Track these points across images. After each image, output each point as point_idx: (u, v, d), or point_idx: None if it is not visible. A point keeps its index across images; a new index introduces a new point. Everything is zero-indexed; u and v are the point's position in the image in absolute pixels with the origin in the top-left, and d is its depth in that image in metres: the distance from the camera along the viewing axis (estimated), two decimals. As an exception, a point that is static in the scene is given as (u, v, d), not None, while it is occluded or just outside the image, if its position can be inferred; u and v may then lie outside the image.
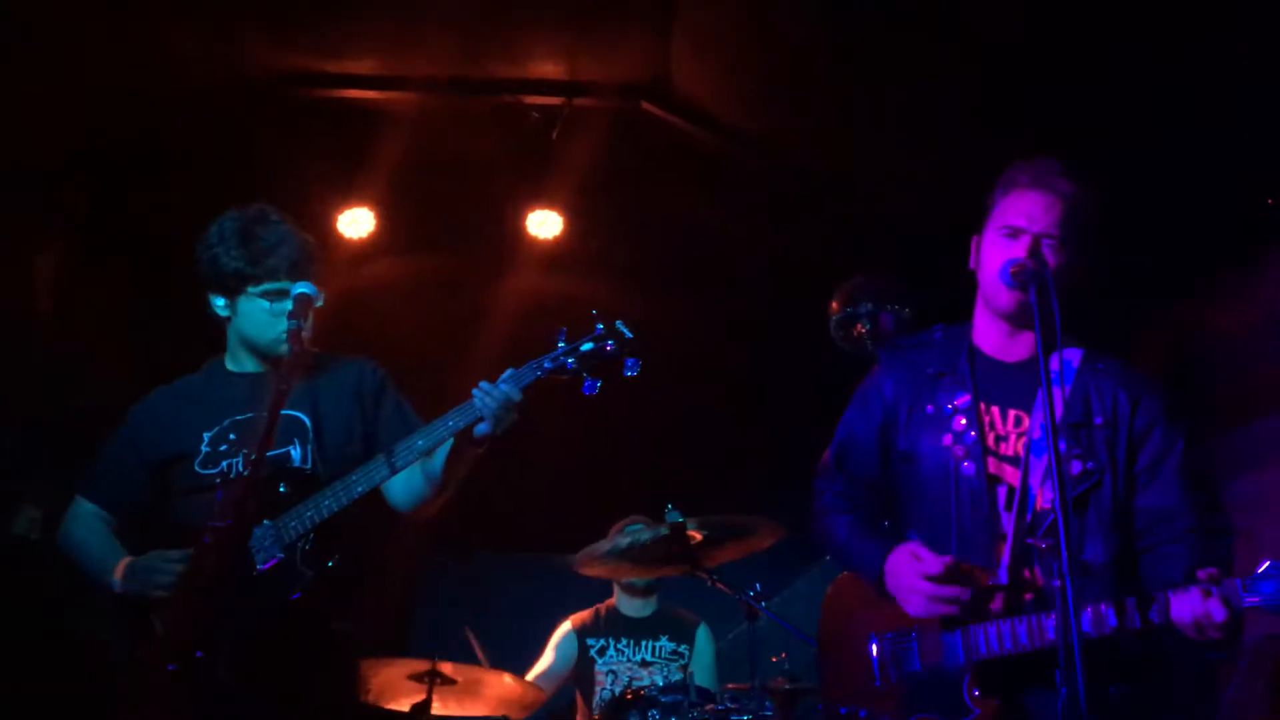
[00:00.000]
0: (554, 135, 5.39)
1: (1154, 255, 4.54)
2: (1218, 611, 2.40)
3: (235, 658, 2.70)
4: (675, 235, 5.85)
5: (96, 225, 5.26)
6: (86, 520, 3.11)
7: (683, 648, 5.05)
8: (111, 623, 2.92)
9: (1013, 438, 2.78)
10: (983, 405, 2.81)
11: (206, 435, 3.03)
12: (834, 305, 5.66)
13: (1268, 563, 2.39)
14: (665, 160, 5.57)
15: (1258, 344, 4.34)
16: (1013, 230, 2.79)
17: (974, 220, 2.91)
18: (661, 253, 5.92)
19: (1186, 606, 2.44)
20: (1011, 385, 2.81)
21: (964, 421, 2.80)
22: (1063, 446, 2.66)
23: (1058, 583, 2.32)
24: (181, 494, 3.01)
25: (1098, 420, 2.75)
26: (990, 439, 2.79)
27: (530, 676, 4.97)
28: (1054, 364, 2.68)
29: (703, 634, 5.11)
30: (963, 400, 2.82)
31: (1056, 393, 2.70)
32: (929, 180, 5.12)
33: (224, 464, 2.99)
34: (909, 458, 2.87)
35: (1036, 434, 2.73)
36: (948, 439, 2.80)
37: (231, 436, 3.02)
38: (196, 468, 3.00)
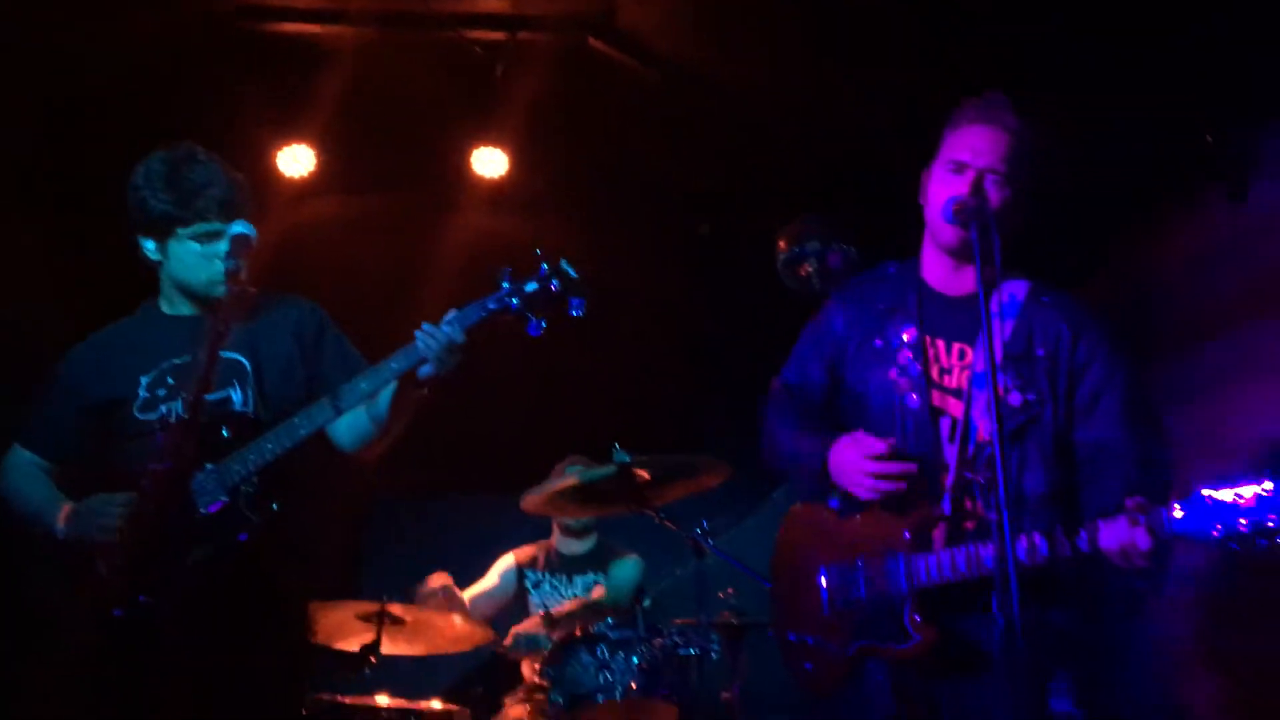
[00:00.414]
0: (498, 71, 5.29)
1: (1094, 190, 4.58)
2: (1143, 540, 2.46)
3: (180, 602, 2.68)
4: (622, 173, 5.80)
5: (23, 164, 5.10)
6: (24, 469, 3.06)
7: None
8: (53, 570, 2.88)
9: (956, 370, 2.84)
10: (928, 339, 2.87)
11: (144, 380, 2.98)
12: (781, 244, 5.65)
13: (1194, 492, 2.43)
14: (611, 96, 5.50)
15: (1198, 278, 4.41)
16: (958, 165, 2.83)
17: (924, 156, 2.92)
18: (608, 190, 5.87)
19: (1114, 535, 2.50)
20: (956, 319, 2.85)
21: (909, 355, 2.86)
22: (1004, 379, 2.73)
23: (994, 515, 2.37)
24: (121, 440, 2.96)
25: (1039, 353, 2.79)
26: (934, 372, 2.84)
27: (468, 595, 5.04)
28: (1000, 297, 2.81)
29: (631, 564, 5.19)
30: (910, 334, 2.88)
31: (1000, 325, 2.77)
32: (878, 117, 5.11)
33: (163, 409, 2.94)
34: (856, 390, 2.93)
35: (980, 367, 2.77)
36: (893, 372, 2.86)
37: (169, 381, 2.97)
38: (135, 413, 2.95)
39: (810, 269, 5.60)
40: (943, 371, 2.85)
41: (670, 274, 6.12)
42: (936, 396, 2.82)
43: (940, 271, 2.94)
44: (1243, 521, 2.36)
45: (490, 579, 5.18)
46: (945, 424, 2.81)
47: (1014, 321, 2.82)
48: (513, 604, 5.16)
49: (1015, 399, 2.76)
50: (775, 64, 5.13)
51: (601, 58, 5.32)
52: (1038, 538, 2.57)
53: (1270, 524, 2.34)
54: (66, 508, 2.91)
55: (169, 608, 2.63)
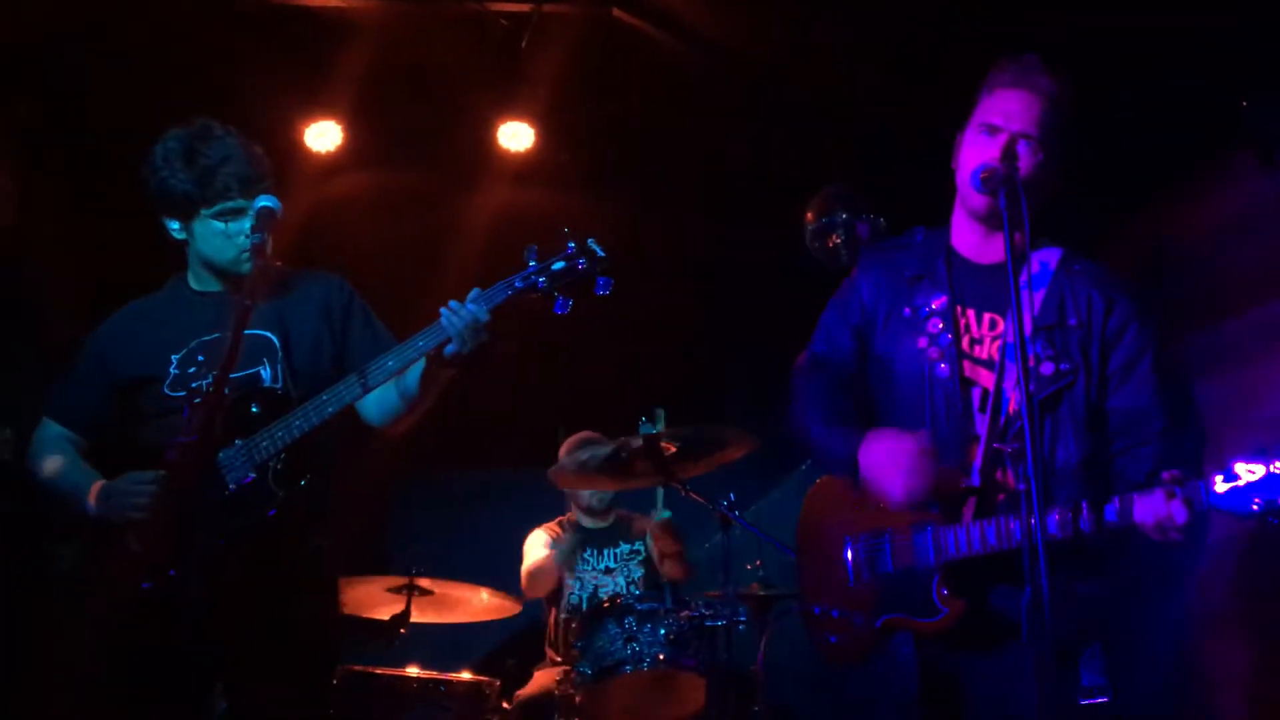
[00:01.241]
0: (523, 44, 5.28)
1: (1124, 156, 4.52)
2: (1180, 513, 2.43)
3: (208, 575, 2.72)
4: (647, 145, 5.78)
5: (53, 140, 5.14)
6: (55, 443, 3.09)
7: (638, 544, 5.20)
8: (84, 544, 2.92)
9: (987, 340, 2.78)
10: (959, 308, 2.80)
11: (174, 358, 3.00)
12: (809, 215, 5.62)
13: (1230, 465, 2.39)
14: (637, 69, 5.47)
15: (1228, 245, 4.35)
16: (990, 128, 2.76)
17: (952, 125, 2.88)
18: (634, 163, 5.85)
19: (1149, 508, 2.45)
20: (988, 288, 2.79)
21: (940, 324, 2.79)
22: (1037, 348, 2.69)
23: (1023, 486, 2.34)
24: (151, 416, 2.99)
25: (1071, 322, 2.75)
26: (965, 342, 2.78)
27: (527, 566, 5.06)
28: (1031, 266, 2.72)
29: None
30: (939, 303, 2.81)
31: (1030, 295, 2.68)
32: (904, 86, 5.06)
33: (194, 385, 2.96)
34: (885, 360, 2.86)
35: (1011, 337, 2.70)
36: (923, 341, 2.80)
37: (200, 358, 2.99)
38: (166, 390, 2.97)
39: (839, 239, 5.57)
40: (974, 342, 2.79)
41: (696, 246, 6.11)
42: (967, 367, 2.76)
43: (971, 239, 2.87)
44: None
45: (538, 550, 5.19)
46: (976, 394, 2.75)
47: (1045, 290, 2.77)
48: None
49: (1047, 368, 2.70)
50: (801, 34, 5.09)
51: (626, 29, 5.30)
52: (1070, 510, 2.52)
53: None
54: (97, 485, 2.93)
55: (198, 581, 2.66)
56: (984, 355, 2.77)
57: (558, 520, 5.35)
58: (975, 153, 2.76)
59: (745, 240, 5.99)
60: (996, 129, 2.75)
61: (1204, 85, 4.16)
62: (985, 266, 2.83)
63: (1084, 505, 2.53)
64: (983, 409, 2.73)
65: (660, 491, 4.65)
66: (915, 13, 4.62)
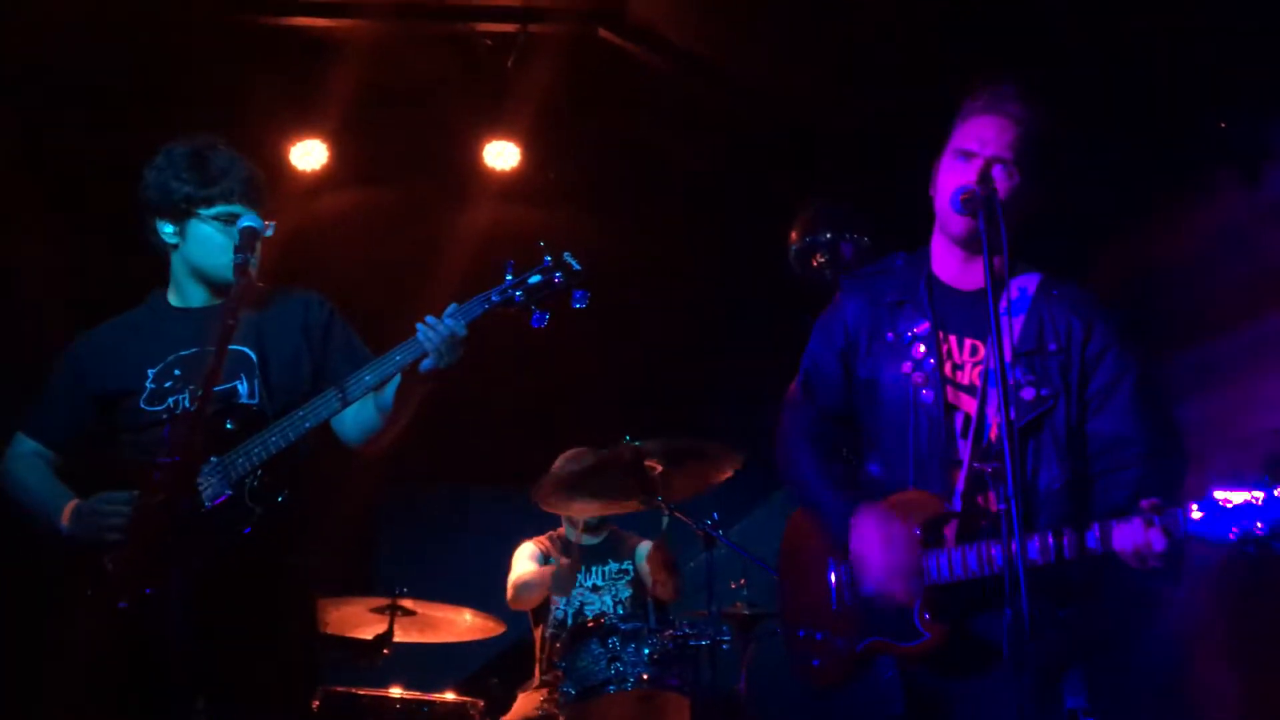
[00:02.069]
0: (509, 63, 5.30)
1: (1107, 175, 4.55)
2: (1158, 541, 2.43)
3: (186, 594, 2.69)
4: (633, 163, 5.79)
5: (34, 156, 5.13)
6: (28, 459, 3.06)
7: (626, 564, 5.17)
8: (58, 562, 2.89)
9: (969, 366, 2.80)
10: (941, 333, 2.82)
11: (151, 372, 2.98)
12: (793, 234, 5.63)
13: (1209, 494, 2.40)
14: (622, 88, 5.49)
15: (1211, 264, 4.37)
16: (965, 154, 2.80)
17: (934, 143, 2.90)
18: (619, 182, 5.87)
19: (1128, 536, 2.46)
20: (969, 314, 2.82)
21: (923, 349, 2.81)
22: (1018, 374, 2.73)
23: (1003, 506, 2.35)
24: (127, 431, 2.97)
25: (1051, 347, 2.76)
26: (948, 368, 2.80)
27: (514, 578, 5.02)
28: (1010, 292, 2.77)
29: (643, 546, 5.20)
30: (922, 328, 2.83)
31: (1010, 321, 2.73)
32: (887, 106, 5.08)
33: (170, 400, 2.94)
34: (870, 385, 2.88)
35: (993, 363, 2.70)
36: (907, 366, 2.81)
37: (177, 372, 2.97)
38: (142, 404, 2.95)
39: (823, 259, 5.57)
40: (956, 368, 2.81)
41: (680, 265, 6.11)
42: (950, 392, 2.78)
43: (951, 264, 2.89)
44: (1259, 524, 2.34)
45: (526, 564, 5.16)
46: (959, 419, 2.77)
47: (1025, 316, 2.79)
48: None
49: (1028, 394, 2.72)
50: (785, 54, 5.11)
51: (612, 50, 5.32)
52: (1050, 538, 2.53)
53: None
54: (70, 505, 2.90)
55: (175, 600, 2.63)
56: (966, 381, 2.79)
57: (548, 535, 5.31)
58: (952, 178, 2.80)
59: (730, 259, 6.00)
60: (971, 154, 2.78)
61: (1186, 104, 4.19)
62: (966, 293, 2.85)
63: (1065, 532, 2.54)
64: (965, 434, 2.74)
65: (665, 518, 4.64)
66: (901, 33, 4.64)
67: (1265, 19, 3.78)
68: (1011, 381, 2.67)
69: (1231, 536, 2.36)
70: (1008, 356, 2.62)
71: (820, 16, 4.75)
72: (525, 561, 5.15)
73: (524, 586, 5.01)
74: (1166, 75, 4.16)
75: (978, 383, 2.76)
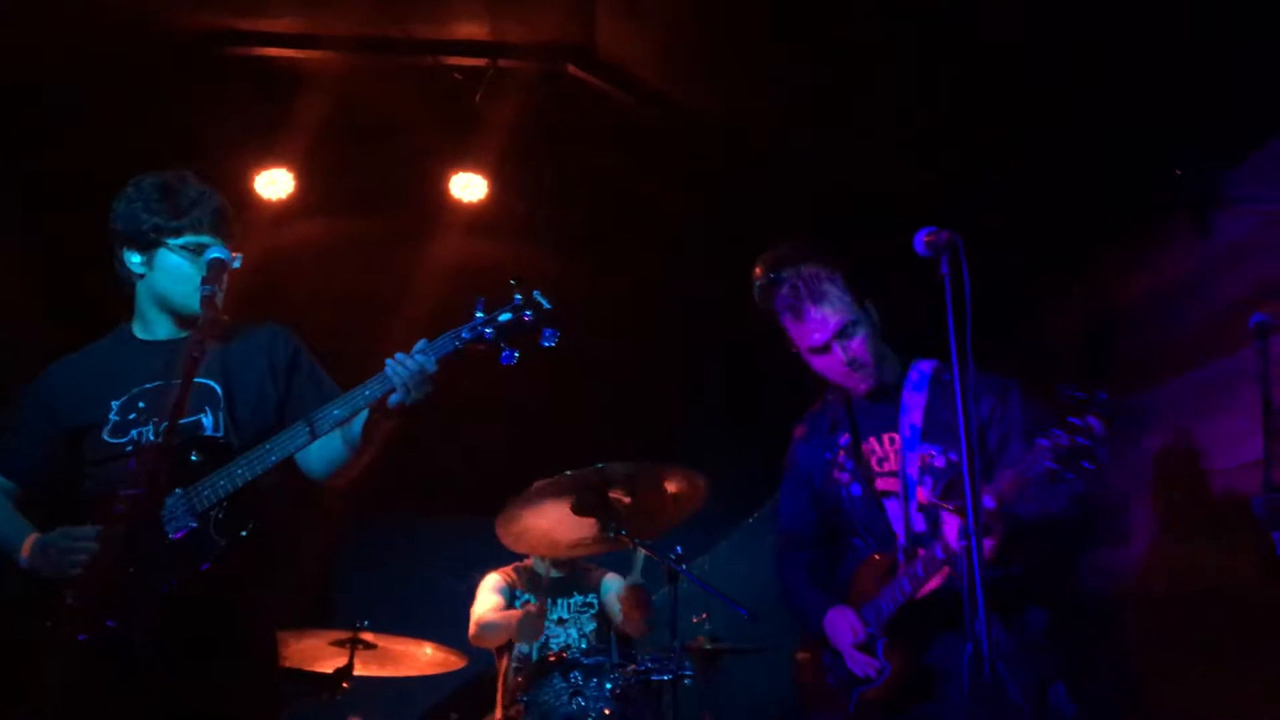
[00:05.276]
0: (477, 97, 5.32)
1: (1059, 222, 4.64)
2: (1038, 462, 2.82)
3: (148, 627, 2.66)
4: (600, 199, 5.83)
5: (3, 184, 5.09)
6: None
7: (591, 597, 5.15)
8: (17, 595, 2.85)
9: (892, 455, 3.33)
10: (861, 441, 3.40)
11: (115, 404, 2.97)
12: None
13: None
14: (590, 124, 5.53)
15: (1161, 310, 4.46)
16: (816, 350, 3.33)
17: (906, 184, 2.98)
18: (586, 216, 5.90)
19: (1012, 462, 3.00)
20: (878, 413, 3.39)
21: (844, 455, 3.42)
22: (929, 448, 3.27)
23: (962, 542, 2.55)
24: (90, 464, 2.95)
25: (948, 419, 3.17)
26: (874, 463, 3.37)
27: (480, 613, 4.99)
28: (912, 375, 3.40)
29: (608, 582, 5.19)
30: (844, 439, 3.43)
31: (915, 397, 3.33)
32: (853, 147, 5.15)
33: (133, 432, 2.93)
34: (824, 496, 3.47)
35: (906, 433, 3.31)
36: (836, 472, 3.42)
37: (141, 405, 2.96)
38: (105, 436, 2.94)
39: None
40: (881, 460, 3.36)
41: (648, 300, 6.15)
42: (880, 483, 3.34)
43: (859, 385, 3.40)
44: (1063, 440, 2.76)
45: (491, 597, 5.12)
46: (890, 503, 3.31)
47: (926, 393, 3.33)
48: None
49: (940, 461, 3.24)
50: (753, 91, 5.18)
51: (581, 85, 5.36)
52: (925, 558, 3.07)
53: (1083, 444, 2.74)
54: (30, 539, 2.86)
55: (137, 633, 2.61)
56: (890, 468, 3.32)
57: (513, 566, 5.27)
58: (827, 365, 3.36)
59: (697, 295, 6.05)
60: (821, 346, 3.31)
61: (1139, 151, 4.29)
62: (870, 395, 3.39)
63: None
64: (898, 509, 3.28)
65: (640, 555, 4.66)
66: (872, 70, 4.72)
67: (1216, 67, 3.89)
68: (926, 454, 3.25)
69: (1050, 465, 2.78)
70: (918, 436, 3.27)
71: (789, 55, 4.81)
72: (489, 595, 5.12)
73: (488, 627, 4.98)
74: (1120, 120, 4.26)
75: (896, 466, 3.30)
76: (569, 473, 4.32)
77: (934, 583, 3.09)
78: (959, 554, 2.73)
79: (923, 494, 3.22)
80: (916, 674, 3.13)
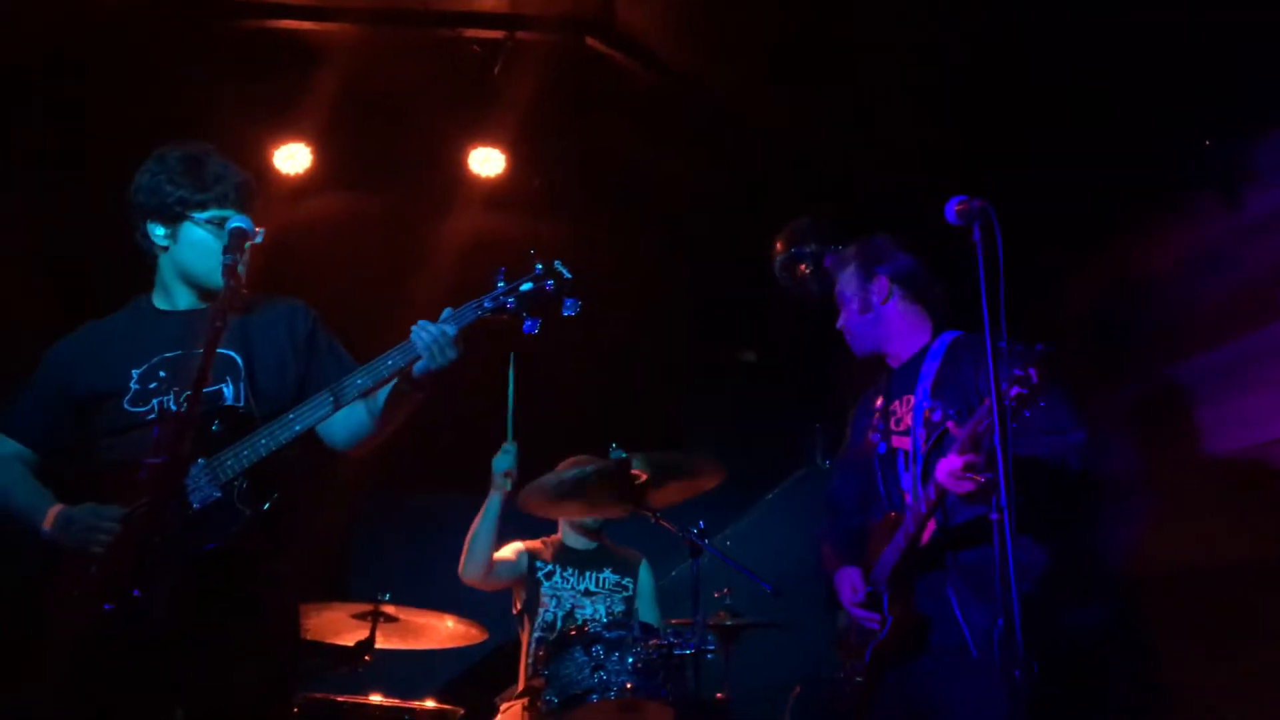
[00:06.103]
0: (495, 70, 5.29)
1: (1089, 194, 4.59)
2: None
3: (172, 597, 2.67)
4: (618, 172, 5.80)
5: (17, 162, 5.08)
6: (7, 461, 3.03)
7: (626, 580, 5.11)
8: (39, 565, 2.86)
9: (906, 416, 3.53)
10: (889, 403, 3.63)
11: (135, 373, 2.96)
12: (778, 245, 5.66)
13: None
14: (609, 97, 5.50)
15: (1190, 283, 4.42)
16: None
17: (922, 157, 2.93)
18: (604, 190, 5.87)
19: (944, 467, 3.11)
20: (903, 379, 3.61)
21: (878, 418, 3.65)
22: (932, 402, 3.43)
23: (995, 515, 2.58)
24: (110, 433, 2.94)
25: (954, 381, 3.42)
26: (892, 423, 3.59)
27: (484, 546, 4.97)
28: (935, 344, 3.58)
29: (645, 569, 5.17)
30: (879, 403, 3.68)
31: (932, 364, 3.52)
32: (872, 121, 5.11)
33: (154, 401, 2.92)
34: (863, 463, 3.67)
35: (919, 395, 3.52)
36: (870, 434, 3.66)
37: (161, 374, 2.95)
38: (125, 405, 2.93)
39: (807, 270, 5.60)
40: (898, 420, 3.57)
41: (666, 274, 6.12)
42: (895, 440, 3.55)
43: (896, 351, 3.69)
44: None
45: (506, 553, 5.11)
46: (901, 458, 3.50)
47: (940, 360, 3.52)
48: (525, 587, 5.04)
49: (937, 415, 3.41)
50: (771, 65, 5.13)
51: (599, 58, 5.32)
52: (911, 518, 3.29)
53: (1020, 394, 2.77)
54: (55, 509, 2.86)
55: (161, 602, 2.62)
56: (904, 427, 3.51)
57: (541, 540, 5.25)
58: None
59: (715, 268, 6.02)
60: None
61: (1167, 124, 4.23)
62: (902, 364, 3.65)
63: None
64: (907, 466, 3.44)
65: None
66: (892, 40, 4.67)
67: (1246, 38, 3.83)
68: (929, 405, 3.43)
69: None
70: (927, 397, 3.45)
71: (809, 31, 4.77)
72: (506, 550, 5.10)
73: (500, 565, 4.96)
74: (1149, 95, 4.20)
75: (909, 423, 3.50)
76: (605, 462, 4.34)
77: (930, 529, 3.27)
78: (946, 489, 3.08)
79: (916, 443, 3.44)
80: (914, 623, 3.31)
